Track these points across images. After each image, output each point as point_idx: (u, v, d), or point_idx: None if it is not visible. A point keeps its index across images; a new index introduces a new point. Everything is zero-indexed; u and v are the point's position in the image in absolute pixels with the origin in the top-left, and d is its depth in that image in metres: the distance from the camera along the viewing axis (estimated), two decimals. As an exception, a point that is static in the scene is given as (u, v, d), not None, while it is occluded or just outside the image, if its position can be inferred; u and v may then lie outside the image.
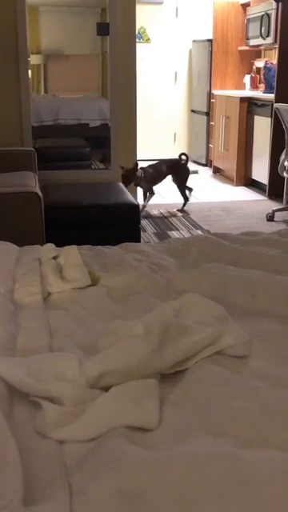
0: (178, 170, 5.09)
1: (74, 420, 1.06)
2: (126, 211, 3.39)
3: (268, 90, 5.91)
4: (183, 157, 5.13)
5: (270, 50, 6.34)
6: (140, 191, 4.78)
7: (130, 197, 3.55)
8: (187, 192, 5.15)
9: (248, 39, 6.50)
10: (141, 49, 6.26)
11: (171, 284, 1.77)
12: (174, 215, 4.96)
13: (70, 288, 1.74)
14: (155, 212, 5.01)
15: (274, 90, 5.39)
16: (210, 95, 6.98)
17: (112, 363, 1.17)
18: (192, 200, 5.29)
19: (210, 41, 6.89)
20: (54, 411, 1.07)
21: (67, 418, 1.06)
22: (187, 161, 5.16)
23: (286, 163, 4.69)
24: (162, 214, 5.00)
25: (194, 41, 7.38)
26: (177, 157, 5.19)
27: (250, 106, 5.95)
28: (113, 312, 1.59)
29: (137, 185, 4.77)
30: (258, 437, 1.01)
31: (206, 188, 6.12)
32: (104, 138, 4.89)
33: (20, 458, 0.92)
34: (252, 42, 6.41)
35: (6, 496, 0.83)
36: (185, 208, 5.10)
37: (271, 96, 5.45)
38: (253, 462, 0.90)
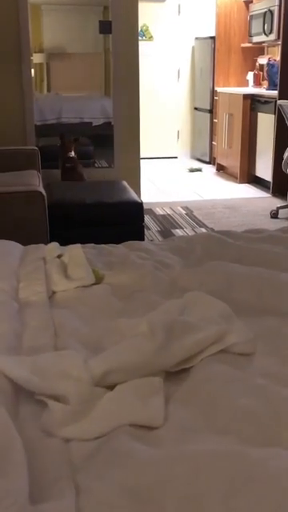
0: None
1: (80, 418, 1.06)
2: (130, 209, 3.39)
3: (271, 86, 5.90)
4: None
5: (273, 46, 6.32)
6: (143, 189, 4.75)
7: (133, 195, 3.55)
8: None
9: (251, 36, 6.48)
10: (143, 46, 6.26)
11: (175, 282, 1.77)
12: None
13: (75, 286, 1.74)
14: (159, 210, 5.00)
15: (278, 87, 5.38)
16: (213, 92, 6.96)
17: (117, 361, 1.17)
18: (196, 198, 5.26)
19: (212, 38, 6.87)
20: (60, 410, 1.07)
21: (73, 416, 1.06)
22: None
23: (289, 160, 4.68)
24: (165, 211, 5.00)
25: (196, 38, 7.37)
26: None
27: (253, 103, 5.93)
28: (117, 310, 1.59)
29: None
30: (264, 435, 1.01)
31: (210, 186, 6.11)
32: (107, 136, 4.89)
33: (26, 456, 0.93)
34: (255, 39, 6.39)
35: (11, 494, 0.83)
36: (188, 206, 5.07)
37: (274, 93, 5.43)
38: (258, 460, 0.90)
